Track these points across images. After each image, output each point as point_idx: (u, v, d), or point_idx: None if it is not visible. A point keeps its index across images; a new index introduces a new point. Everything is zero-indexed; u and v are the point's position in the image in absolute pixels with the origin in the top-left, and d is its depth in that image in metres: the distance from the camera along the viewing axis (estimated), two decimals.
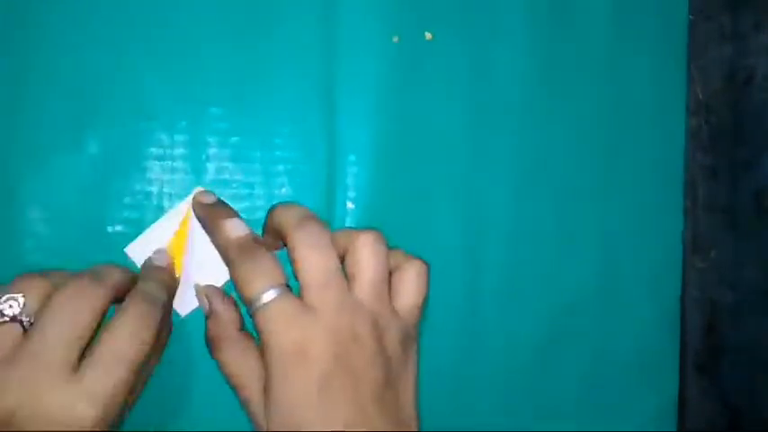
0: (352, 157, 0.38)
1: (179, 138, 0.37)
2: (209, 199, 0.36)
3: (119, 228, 0.36)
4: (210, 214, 0.35)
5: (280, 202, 0.34)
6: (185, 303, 0.36)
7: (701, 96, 0.44)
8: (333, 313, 0.30)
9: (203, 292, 0.35)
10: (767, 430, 0.40)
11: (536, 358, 0.41)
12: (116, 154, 0.37)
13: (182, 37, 0.37)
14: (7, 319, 0.29)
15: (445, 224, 0.40)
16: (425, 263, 0.33)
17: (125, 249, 0.36)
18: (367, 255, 0.31)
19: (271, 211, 0.34)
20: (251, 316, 0.30)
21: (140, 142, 0.37)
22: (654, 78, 0.43)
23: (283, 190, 0.38)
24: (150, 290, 0.32)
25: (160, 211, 0.37)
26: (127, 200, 0.37)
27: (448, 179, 0.40)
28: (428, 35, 0.40)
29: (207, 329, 0.34)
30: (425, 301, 0.33)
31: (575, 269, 0.42)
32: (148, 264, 0.35)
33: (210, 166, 0.37)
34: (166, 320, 0.33)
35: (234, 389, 0.31)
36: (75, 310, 0.29)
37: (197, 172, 0.37)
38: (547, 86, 0.41)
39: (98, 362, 0.28)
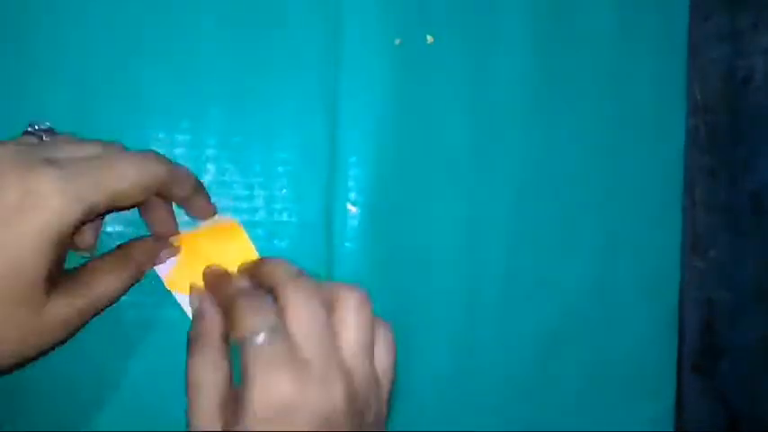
0: (353, 159, 0.38)
1: (180, 138, 0.37)
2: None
3: (119, 228, 0.36)
4: (217, 278, 0.35)
5: (267, 257, 0.34)
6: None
7: (699, 97, 0.44)
8: (326, 375, 0.29)
9: (196, 291, 0.34)
10: (766, 431, 0.40)
11: (535, 359, 0.41)
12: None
13: (183, 37, 0.37)
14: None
15: (446, 226, 0.40)
16: (390, 325, 0.33)
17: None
18: (354, 315, 0.31)
19: (258, 264, 0.34)
20: (241, 354, 0.29)
21: (141, 142, 0.37)
22: (654, 79, 0.43)
23: (283, 191, 0.38)
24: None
25: None
26: None
27: (449, 181, 0.40)
28: (430, 38, 0.40)
29: (190, 328, 0.33)
30: (395, 365, 0.33)
31: (574, 269, 0.42)
32: None
33: (211, 167, 0.37)
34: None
35: (188, 394, 0.30)
36: (131, 167, 0.29)
37: (197, 172, 0.37)
38: (547, 88, 0.41)
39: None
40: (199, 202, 0.35)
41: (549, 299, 0.41)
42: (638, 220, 0.43)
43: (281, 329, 0.29)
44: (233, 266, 0.36)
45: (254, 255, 0.37)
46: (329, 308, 0.31)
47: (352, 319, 0.30)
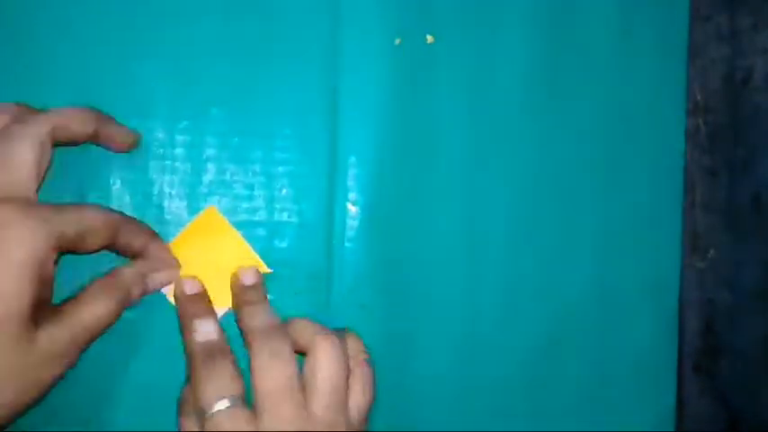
0: (353, 159, 0.38)
1: (179, 138, 0.37)
2: (192, 289, 0.35)
3: None
4: (186, 308, 0.35)
5: (247, 304, 0.35)
6: None
7: (699, 96, 0.44)
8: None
9: None
10: (766, 431, 0.40)
11: (535, 359, 0.41)
12: (116, 154, 0.36)
13: (183, 37, 0.37)
14: None
15: (446, 226, 0.40)
16: (371, 366, 0.34)
17: None
18: (326, 363, 0.32)
19: (239, 310, 0.35)
20: (201, 425, 0.30)
21: (140, 142, 0.37)
22: (654, 79, 0.43)
23: (284, 191, 0.38)
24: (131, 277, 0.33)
25: (160, 210, 0.37)
26: (127, 200, 0.37)
27: (449, 181, 0.40)
28: (430, 38, 0.40)
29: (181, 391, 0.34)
30: (372, 404, 0.34)
31: (574, 269, 0.42)
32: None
33: (211, 167, 0.37)
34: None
35: None
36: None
37: (197, 172, 0.37)
38: (547, 88, 0.41)
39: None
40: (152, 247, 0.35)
41: (548, 299, 0.41)
42: (638, 220, 0.43)
43: (236, 396, 0.31)
44: (227, 262, 0.37)
45: (241, 242, 0.37)
46: (303, 348, 0.32)
47: (323, 369, 0.32)
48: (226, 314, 0.36)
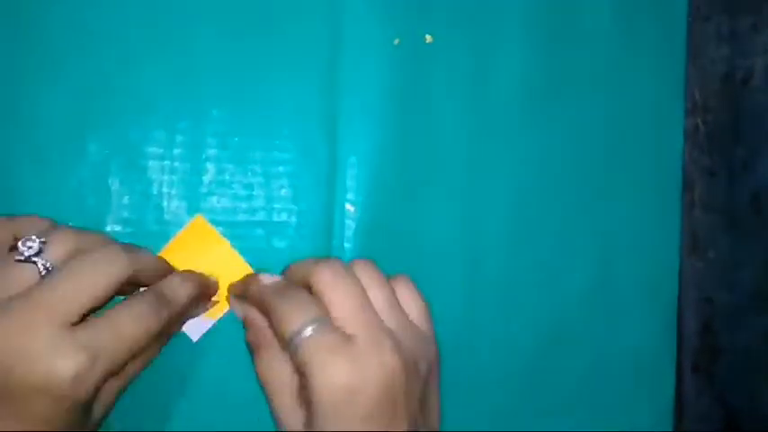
0: (352, 159, 0.38)
1: (179, 138, 0.37)
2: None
3: (118, 228, 0.36)
4: (244, 279, 0.36)
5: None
6: (197, 328, 0.36)
7: (698, 97, 0.44)
8: (374, 344, 0.29)
9: (237, 302, 0.35)
10: (764, 430, 0.40)
11: (534, 358, 0.41)
12: (116, 154, 0.37)
13: (183, 37, 0.37)
14: (22, 258, 0.29)
15: (445, 226, 0.40)
16: (406, 276, 0.34)
17: None
18: (368, 279, 0.32)
19: (287, 268, 0.35)
20: (291, 354, 0.30)
21: (140, 142, 0.37)
22: (652, 79, 0.43)
23: (283, 191, 0.38)
24: (169, 291, 0.32)
25: (160, 210, 0.37)
26: (126, 200, 0.37)
27: (448, 182, 0.40)
28: (428, 38, 0.40)
29: (246, 336, 0.34)
30: (429, 307, 0.34)
31: (573, 269, 0.42)
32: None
33: (210, 167, 0.37)
34: (173, 325, 0.33)
35: (266, 395, 0.32)
36: (96, 272, 0.29)
37: (197, 172, 0.37)
38: (546, 88, 0.41)
39: (96, 326, 0.28)
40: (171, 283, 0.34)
41: (548, 299, 0.41)
42: (637, 220, 0.43)
43: (323, 317, 0.30)
44: (217, 271, 0.37)
45: (230, 250, 0.37)
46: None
47: (371, 280, 0.32)
48: (215, 324, 0.37)
